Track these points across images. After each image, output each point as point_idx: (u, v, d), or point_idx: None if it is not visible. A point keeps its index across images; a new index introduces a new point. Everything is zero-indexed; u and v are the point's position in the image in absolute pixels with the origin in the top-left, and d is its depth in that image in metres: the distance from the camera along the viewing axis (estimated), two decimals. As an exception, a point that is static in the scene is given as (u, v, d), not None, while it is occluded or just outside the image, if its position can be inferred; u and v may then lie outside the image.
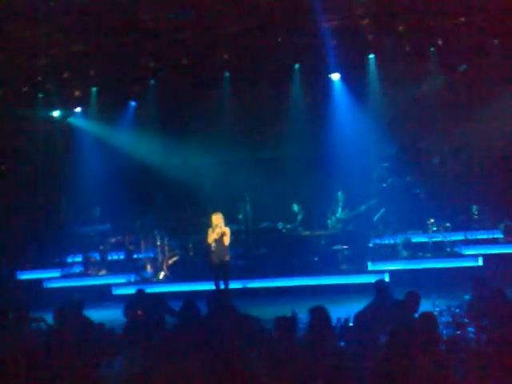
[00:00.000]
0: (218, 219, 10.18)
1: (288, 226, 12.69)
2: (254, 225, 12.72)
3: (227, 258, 10.22)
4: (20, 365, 4.60)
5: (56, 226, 13.94)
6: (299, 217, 12.77)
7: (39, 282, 12.90)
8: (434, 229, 11.85)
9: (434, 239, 11.75)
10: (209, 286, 10.41)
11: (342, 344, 5.69)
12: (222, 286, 10.17)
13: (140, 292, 8.18)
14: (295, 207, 12.79)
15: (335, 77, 13.04)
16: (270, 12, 10.66)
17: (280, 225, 12.70)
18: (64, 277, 13.17)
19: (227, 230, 10.20)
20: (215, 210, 10.49)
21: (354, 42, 11.66)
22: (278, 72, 12.69)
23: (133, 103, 14.26)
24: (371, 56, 12.50)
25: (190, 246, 12.59)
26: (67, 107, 14.09)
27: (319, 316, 5.55)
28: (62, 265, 13.51)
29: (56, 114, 14.16)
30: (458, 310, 7.10)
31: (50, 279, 13.00)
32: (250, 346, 5.34)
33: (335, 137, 13.02)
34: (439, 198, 12.55)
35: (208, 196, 13.27)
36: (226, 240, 10.07)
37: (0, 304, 6.63)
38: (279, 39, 11.60)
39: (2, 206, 14.06)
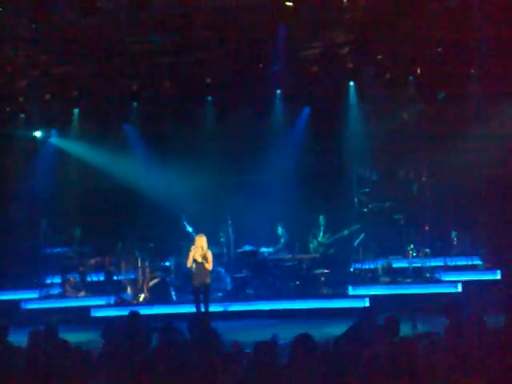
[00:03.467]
0: (201, 241, 10.19)
1: (270, 250, 12.71)
2: (235, 248, 12.72)
3: (208, 280, 10.20)
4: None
5: (35, 246, 13.79)
6: (282, 240, 12.81)
7: (17, 302, 12.71)
8: (414, 254, 11.97)
9: (414, 265, 11.86)
10: (190, 309, 10.35)
11: (321, 368, 5.68)
12: (203, 309, 10.13)
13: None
14: (279, 230, 12.84)
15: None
16: (251, 38, 10.82)
17: (262, 248, 12.71)
18: (42, 298, 13.00)
19: (209, 254, 10.19)
20: (198, 232, 10.49)
21: (333, 69, 11.84)
22: (260, 98, 12.83)
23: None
24: (351, 84, 12.68)
25: (171, 268, 12.53)
26: (49, 128, 14.04)
27: (303, 343, 5.51)
28: (40, 286, 13.34)
29: (38, 134, 14.11)
30: (437, 337, 7.14)
31: (27, 300, 12.82)
32: (228, 371, 5.33)
33: (317, 162, 13.15)
34: (418, 224, 12.69)
35: (190, 218, 13.26)
36: (208, 266, 10.07)
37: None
38: (261, 65, 11.76)
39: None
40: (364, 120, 13.22)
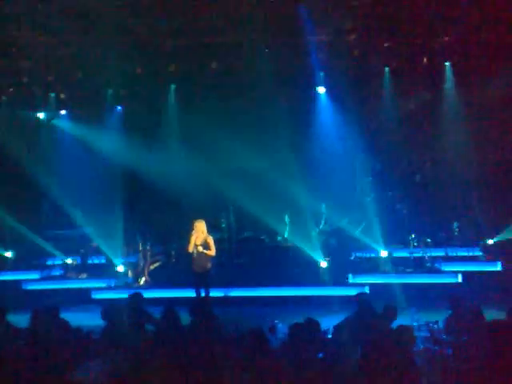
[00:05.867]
0: (201, 226, 10.18)
1: (271, 237, 12.71)
2: (236, 234, 12.71)
3: (208, 265, 10.20)
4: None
5: (37, 228, 13.81)
6: (288, 228, 12.79)
7: (18, 283, 12.77)
8: (415, 244, 11.96)
9: (415, 254, 11.86)
10: (190, 293, 10.37)
11: (321, 356, 5.70)
12: (203, 294, 10.15)
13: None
14: (286, 218, 12.82)
15: (321, 90, 13.10)
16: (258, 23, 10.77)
17: (263, 235, 12.71)
18: (43, 279, 13.06)
19: (210, 239, 10.18)
20: (198, 217, 10.48)
21: (340, 56, 11.77)
22: (264, 83, 12.76)
23: (119, 108, 14.20)
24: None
25: (172, 252, 12.55)
26: (52, 109, 14.01)
27: (307, 328, 5.51)
28: (41, 267, 13.39)
29: (41, 115, 14.07)
30: (436, 326, 7.16)
31: (29, 281, 12.88)
32: (227, 355, 5.35)
33: (320, 150, 13.12)
34: (420, 214, 12.66)
35: (191, 203, 13.25)
36: (212, 252, 10.06)
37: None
38: (267, 50, 11.70)
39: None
40: (368, 109, 13.15)
